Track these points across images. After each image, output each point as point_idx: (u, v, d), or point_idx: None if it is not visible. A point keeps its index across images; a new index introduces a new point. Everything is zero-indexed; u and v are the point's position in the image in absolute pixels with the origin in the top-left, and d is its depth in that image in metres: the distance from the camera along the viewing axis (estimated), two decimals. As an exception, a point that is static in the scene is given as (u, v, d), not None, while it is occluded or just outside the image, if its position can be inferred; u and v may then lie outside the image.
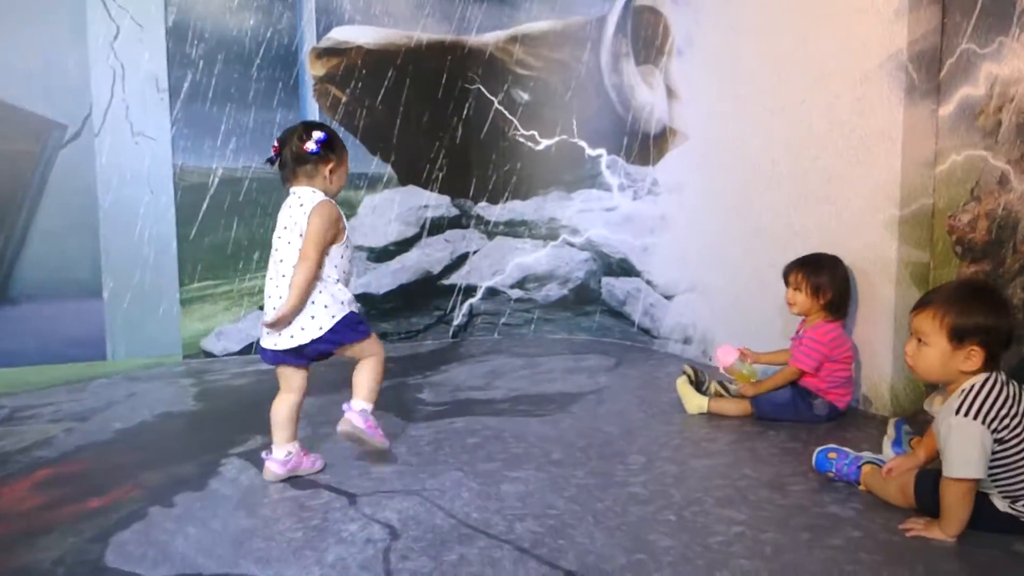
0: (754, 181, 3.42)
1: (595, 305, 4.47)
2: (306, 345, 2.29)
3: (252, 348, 4.17)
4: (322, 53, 4.21)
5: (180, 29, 3.96)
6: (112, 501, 2.17)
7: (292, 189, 2.40)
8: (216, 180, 4.07)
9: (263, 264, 4.13)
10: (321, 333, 2.28)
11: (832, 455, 2.20)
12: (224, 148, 4.06)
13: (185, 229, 4.04)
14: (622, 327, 4.35)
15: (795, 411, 2.77)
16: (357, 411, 2.37)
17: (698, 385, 2.97)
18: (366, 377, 2.43)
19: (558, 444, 2.59)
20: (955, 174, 2.70)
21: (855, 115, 2.90)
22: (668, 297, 4.05)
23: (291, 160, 2.36)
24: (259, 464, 2.43)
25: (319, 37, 4.20)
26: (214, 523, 2.01)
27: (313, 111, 4.21)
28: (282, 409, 2.37)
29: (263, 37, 4.10)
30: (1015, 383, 1.84)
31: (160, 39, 3.96)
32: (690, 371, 3.01)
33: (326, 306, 2.29)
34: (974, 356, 1.81)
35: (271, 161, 2.41)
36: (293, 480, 2.30)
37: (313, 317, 2.28)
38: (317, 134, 2.33)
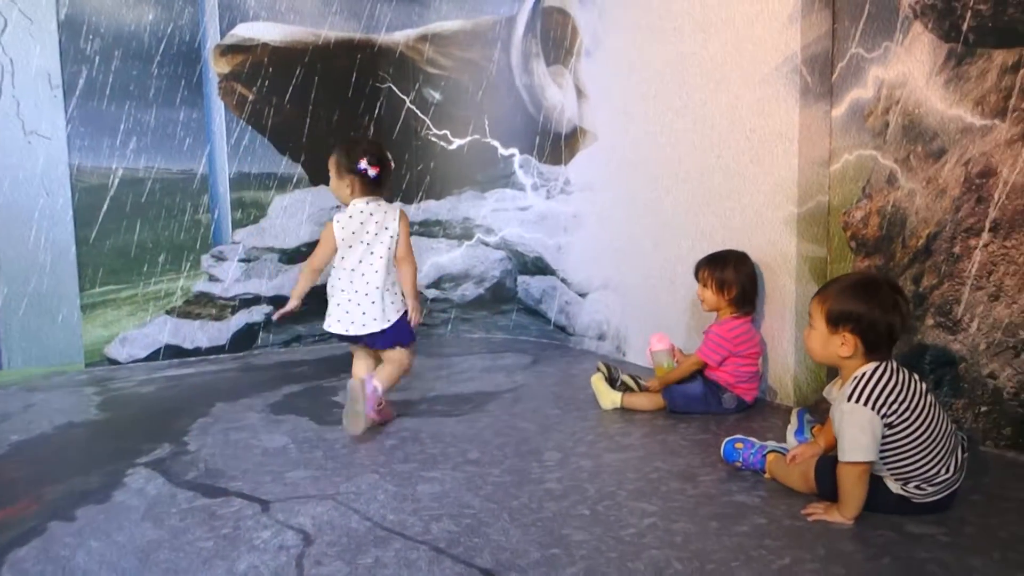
0: (662, 179, 3.50)
1: (511, 304, 4.50)
2: (374, 334, 2.73)
3: (160, 353, 4.04)
4: (226, 50, 4.11)
5: (73, 23, 3.80)
6: (8, 517, 2.07)
7: (366, 201, 2.75)
8: (116, 181, 3.92)
9: (169, 267, 4.02)
10: (388, 325, 2.73)
11: (739, 445, 2.28)
12: (124, 148, 3.92)
13: (84, 232, 3.88)
14: (538, 325, 4.40)
15: (705, 404, 2.86)
16: (372, 383, 2.69)
17: (612, 381, 3.03)
18: (391, 368, 2.80)
19: (475, 443, 2.60)
20: (848, 173, 2.83)
21: (754, 115, 3.00)
22: (583, 295, 4.12)
23: (386, 177, 2.77)
24: (167, 473, 2.37)
25: (223, 34, 4.10)
26: (118, 536, 1.94)
27: (219, 110, 4.10)
28: (360, 369, 2.85)
29: (163, 33, 3.97)
30: (906, 371, 1.94)
31: (52, 33, 3.79)
32: (604, 367, 3.06)
33: (392, 303, 2.76)
34: (848, 341, 1.91)
35: (374, 180, 2.75)
36: (203, 488, 2.24)
37: (383, 311, 2.73)
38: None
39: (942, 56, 2.48)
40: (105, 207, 3.91)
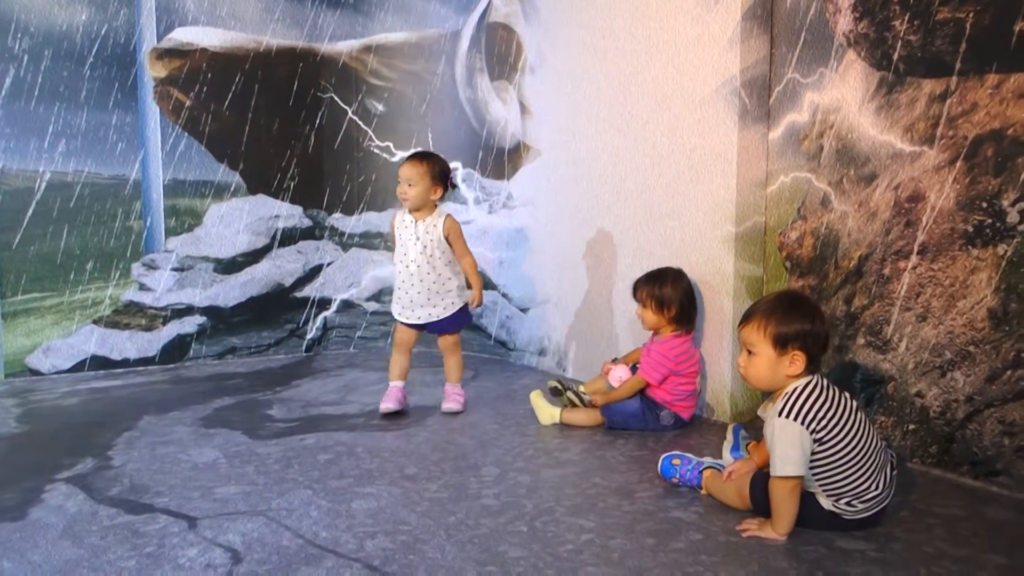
0: (603, 196, 3.53)
1: (451, 318, 4.47)
2: (439, 321, 3.12)
3: (85, 364, 3.89)
4: (163, 54, 4.01)
5: (1, 20, 3.65)
6: (-87, 538, 1.96)
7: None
8: (43, 184, 3.78)
9: (97, 275, 3.89)
10: (449, 313, 3.12)
11: (676, 461, 2.30)
12: (52, 150, 3.78)
13: (7, 237, 3.72)
14: (479, 340, 4.38)
15: (643, 421, 2.87)
16: (455, 391, 3.21)
17: (558, 393, 3.08)
18: (455, 362, 3.23)
19: (412, 458, 2.56)
20: (784, 194, 2.90)
21: (695, 136, 3.05)
22: (523, 310, 4.12)
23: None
24: (89, 488, 2.28)
25: (160, 37, 4.00)
26: (34, 555, 1.84)
27: (154, 114, 3.99)
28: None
29: (97, 33, 3.86)
30: (835, 387, 1.98)
31: (-22, 30, 3.65)
32: (558, 383, 3.10)
33: (460, 295, 3.15)
34: (797, 360, 1.94)
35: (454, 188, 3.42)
36: (127, 505, 2.16)
37: (453, 303, 3.13)
38: None
39: (874, 83, 2.56)
40: (30, 211, 3.76)
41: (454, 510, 2.11)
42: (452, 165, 4.36)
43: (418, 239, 3.08)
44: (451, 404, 3.15)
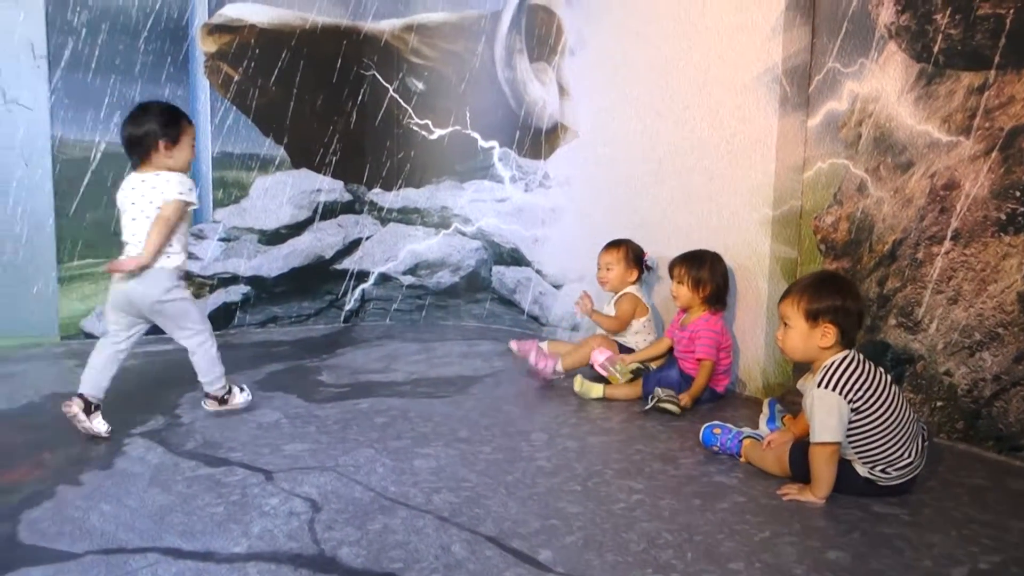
0: (640, 178, 3.65)
1: (486, 293, 4.61)
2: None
3: (135, 330, 4.04)
4: (214, 29, 4.13)
5: (61, -6, 3.78)
6: (12, 481, 2.12)
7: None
8: (99, 155, 3.92)
9: (149, 244, 4.01)
10: None
11: (717, 431, 2.44)
12: (108, 121, 3.92)
13: (64, 204, 3.87)
14: (512, 315, 4.51)
15: (681, 391, 2.99)
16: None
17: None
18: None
19: (463, 423, 2.71)
20: (820, 180, 3.01)
21: (735, 121, 3.16)
22: (557, 287, 4.25)
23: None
24: (165, 443, 2.43)
25: (211, 13, 4.12)
26: (129, 500, 2.00)
27: (204, 88, 4.12)
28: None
29: (151, 8, 3.98)
30: (871, 363, 2.11)
31: (38, 3, 3.77)
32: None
33: None
34: (828, 333, 2.09)
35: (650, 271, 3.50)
36: (204, 458, 2.31)
37: None
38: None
39: (913, 75, 2.67)
40: (86, 180, 3.91)
41: (510, 470, 2.26)
42: (489, 144, 4.50)
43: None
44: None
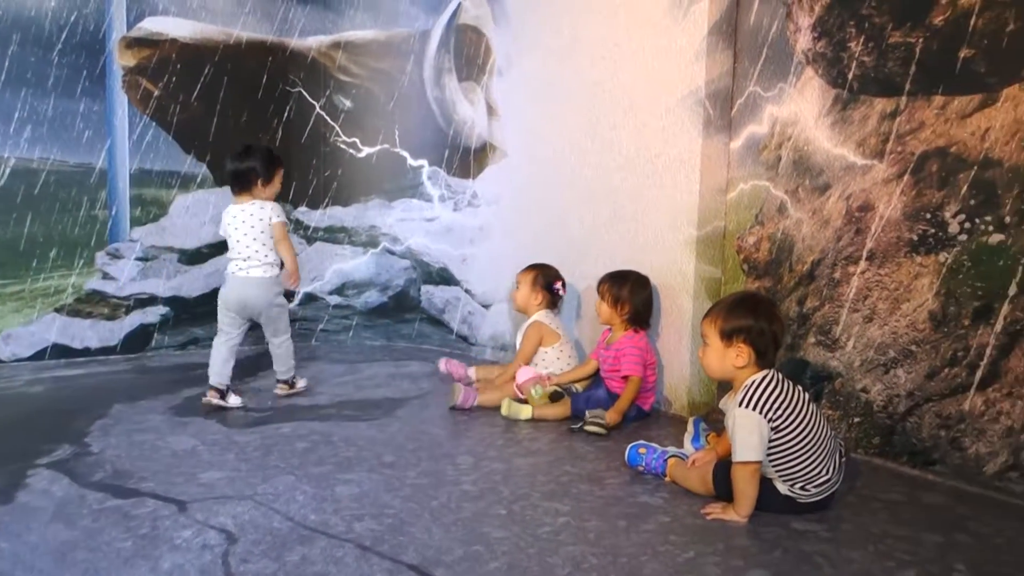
0: (568, 198, 3.66)
1: (415, 313, 4.56)
2: None
3: (46, 353, 3.87)
4: (133, 43, 4.00)
5: (-32, 4, 3.62)
6: (-100, 520, 1.98)
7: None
8: (7, 171, 3.74)
9: (60, 263, 3.88)
10: None
11: (642, 450, 2.44)
12: (18, 136, 3.74)
13: (-32, 223, 3.68)
14: (441, 334, 4.47)
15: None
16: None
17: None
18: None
19: (388, 447, 2.65)
20: (743, 201, 3.07)
21: (660, 143, 3.20)
22: (486, 306, 4.22)
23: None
24: (72, 474, 2.32)
25: (130, 26, 3.99)
26: (29, 536, 1.89)
27: (122, 103, 3.98)
28: None
29: (66, 20, 3.83)
30: (789, 381, 2.15)
31: (-58, 13, 3.60)
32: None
33: None
34: (742, 353, 2.13)
35: (559, 299, 3.52)
36: (113, 489, 2.20)
37: None
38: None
39: (830, 100, 2.75)
40: (-7, 197, 3.73)
41: (435, 495, 2.21)
42: (418, 162, 4.47)
43: None
44: None
